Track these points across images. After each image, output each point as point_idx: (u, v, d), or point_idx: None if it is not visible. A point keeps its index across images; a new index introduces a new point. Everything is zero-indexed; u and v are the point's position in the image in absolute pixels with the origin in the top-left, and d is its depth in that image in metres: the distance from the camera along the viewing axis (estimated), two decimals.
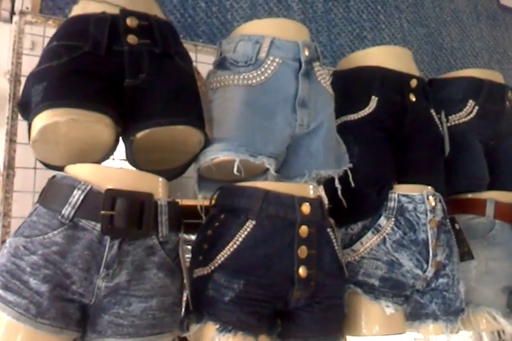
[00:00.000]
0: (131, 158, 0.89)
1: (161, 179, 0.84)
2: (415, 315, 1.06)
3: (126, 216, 0.75)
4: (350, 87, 1.16)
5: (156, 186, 0.82)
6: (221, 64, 1.03)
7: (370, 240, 1.03)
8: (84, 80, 0.82)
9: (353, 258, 1.03)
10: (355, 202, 1.07)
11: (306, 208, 0.90)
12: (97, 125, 0.80)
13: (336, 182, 1.03)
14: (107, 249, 0.74)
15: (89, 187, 0.76)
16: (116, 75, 0.86)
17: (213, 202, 0.96)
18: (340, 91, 1.16)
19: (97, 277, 0.74)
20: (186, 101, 0.88)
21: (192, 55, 1.21)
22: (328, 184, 1.09)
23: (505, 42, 2.12)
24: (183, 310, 0.87)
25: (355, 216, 1.06)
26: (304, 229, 0.89)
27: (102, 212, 0.74)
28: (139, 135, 0.85)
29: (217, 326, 0.83)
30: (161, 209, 0.79)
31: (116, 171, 0.81)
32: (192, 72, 0.92)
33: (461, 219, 1.22)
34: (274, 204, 0.89)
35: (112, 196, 0.75)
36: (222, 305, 0.84)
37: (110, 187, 0.76)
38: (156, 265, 0.78)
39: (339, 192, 1.03)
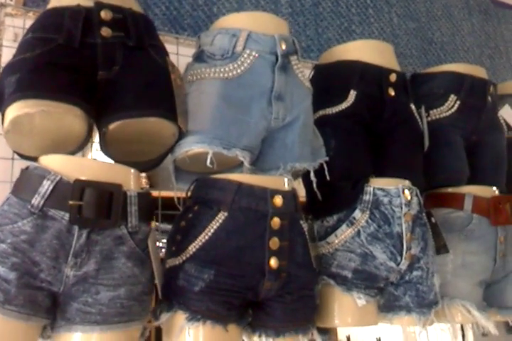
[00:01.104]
0: (105, 149, 0.90)
1: (132, 170, 0.85)
2: (389, 306, 1.07)
3: (95, 206, 0.76)
4: (330, 81, 1.17)
5: (126, 177, 0.83)
6: (199, 57, 1.04)
7: (344, 232, 1.04)
8: (56, 72, 0.83)
9: (328, 250, 1.04)
10: (331, 195, 1.08)
11: (278, 200, 0.91)
12: (67, 116, 0.81)
13: (312, 175, 1.04)
14: (75, 239, 0.76)
15: (58, 178, 0.77)
16: (90, 68, 0.87)
17: (189, 193, 0.98)
18: (319, 85, 1.17)
19: (66, 266, 0.76)
20: (158, 93, 0.89)
21: (173, 47, 1.22)
22: (306, 177, 1.10)
23: (496, 37, 2.12)
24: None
25: (331, 209, 1.07)
26: (276, 221, 0.90)
27: (71, 202, 0.75)
28: (112, 126, 0.86)
29: (187, 315, 0.84)
30: (130, 199, 0.81)
31: (87, 162, 0.82)
32: (166, 64, 0.93)
33: (439, 213, 1.23)
34: (246, 197, 0.91)
35: (81, 186, 0.76)
36: (191, 294, 0.85)
37: (80, 177, 0.77)
38: (124, 254, 0.80)
39: (314, 185, 1.04)
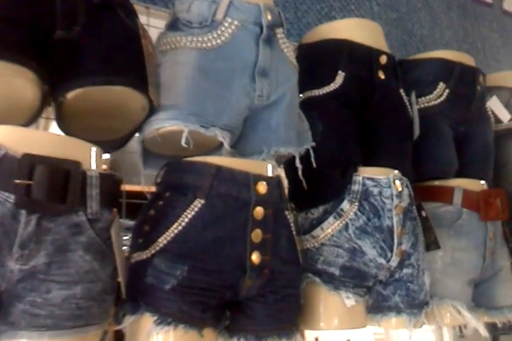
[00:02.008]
0: (62, 123, 0.77)
1: (94, 147, 0.72)
2: (377, 307, 0.98)
3: (47, 187, 0.63)
4: (316, 60, 1.07)
5: (86, 154, 0.70)
6: (173, 25, 0.92)
7: (331, 225, 0.94)
8: (4, 27, 0.69)
9: (313, 244, 0.94)
10: (317, 184, 0.98)
11: (262, 187, 0.81)
12: (17, 79, 0.68)
13: (297, 161, 0.93)
14: (22, 226, 0.62)
15: (2, 152, 0.63)
16: (46, 26, 0.73)
17: (159, 179, 0.86)
18: (305, 65, 1.07)
19: (10, 258, 0.62)
20: (127, 59, 0.77)
21: (144, 18, 1.09)
22: (288, 164, 1.00)
23: (474, 33, 2.09)
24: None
25: (317, 199, 0.97)
26: (259, 211, 0.80)
27: (17, 180, 0.62)
28: (70, 95, 0.73)
29: (155, 318, 0.72)
30: (90, 180, 0.68)
31: (39, 135, 0.69)
32: (136, 27, 0.80)
33: (427, 207, 1.15)
34: (226, 182, 0.79)
35: (30, 162, 0.63)
36: (161, 294, 0.74)
37: (29, 152, 0.64)
38: (82, 246, 0.67)
39: (299, 173, 0.94)
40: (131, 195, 1.06)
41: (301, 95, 1.03)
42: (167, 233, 0.76)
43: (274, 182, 0.84)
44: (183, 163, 0.83)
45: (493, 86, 1.41)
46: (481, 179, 1.20)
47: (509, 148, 1.34)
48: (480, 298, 1.15)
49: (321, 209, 0.96)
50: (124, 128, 0.83)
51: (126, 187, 1.05)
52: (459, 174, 1.19)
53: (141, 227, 0.81)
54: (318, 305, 0.91)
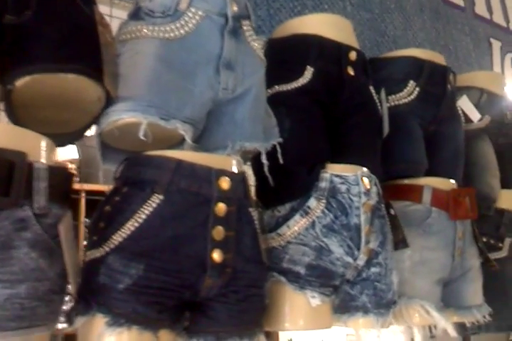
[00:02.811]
0: (11, 114, 0.73)
1: (43, 138, 0.68)
2: (344, 307, 0.95)
3: None
4: (285, 55, 1.05)
5: (34, 145, 0.66)
6: (135, 14, 0.89)
7: (297, 223, 0.91)
8: None
9: (278, 243, 0.91)
10: (283, 181, 0.95)
11: (225, 183, 0.78)
12: None
13: (263, 157, 0.91)
14: None
15: None
16: None
17: (118, 174, 0.82)
18: (274, 60, 1.04)
19: None
20: (81, 46, 0.73)
21: (106, 8, 1.05)
22: (255, 160, 0.97)
23: (446, 36, 2.10)
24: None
25: (283, 196, 0.95)
26: (221, 207, 0.77)
27: None
28: (20, 83, 0.69)
29: (107, 319, 0.68)
30: (38, 173, 0.64)
31: None
32: (92, 14, 0.77)
33: (396, 205, 1.13)
34: (186, 177, 0.76)
35: None
36: (115, 293, 0.70)
37: None
38: (28, 242, 0.62)
39: (265, 169, 0.91)
40: None
41: (269, 90, 1.00)
42: (122, 230, 0.73)
43: (238, 178, 0.81)
44: (142, 157, 0.80)
45: (464, 86, 1.42)
46: (451, 178, 1.19)
47: (479, 148, 1.34)
48: (449, 297, 1.14)
49: (287, 206, 0.94)
50: (80, 120, 0.79)
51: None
52: (429, 173, 1.18)
53: (97, 224, 0.77)
54: (283, 305, 0.88)
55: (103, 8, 0.99)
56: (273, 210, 0.95)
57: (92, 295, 0.70)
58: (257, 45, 0.95)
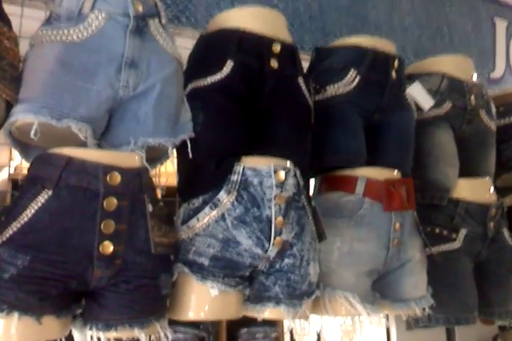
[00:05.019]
0: None
1: None
2: (258, 297, 0.97)
3: None
4: (207, 50, 1.06)
5: None
6: (47, 20, 0.94)
7: (207, 216, 0.94)
8: None
9: (187, 235, 0.94)
10: (195, 175, 0.98)
11: (114, 178, 0.82)
12: None
13: (169, 151, 0.94)
14: None
15: None
16: None
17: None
18: (196, 56, 1.08)
19: None
20: None
21: (17, 8, 1.10)
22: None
23: (439, 18, 2.01)
24: None
25: (195, 190, 0.97)
26: (111, 202, 0.81)
27: None
28: None
29: None
30: None
31: None
32: None
33: (331, 197, 1.13)
34: (76, 173, 0.81)
35: None
36: (0, 282, 0.75)
37: None
38: None
39: (175, 163, 0.94)
40: None
41: (188, 86, 1.03)
42: (14, 223, 0.79)
43: (131, 173, 0.85)
44: (43, 155, 0.85)
45: (425, 72, 1.37)
46: (397, 168, 1.17)
47: (436, 136, 1.30)
48: (386, 289, 1.12)
49: (200, 199, 0.96)
50: None
51: None
52: (373, 164, 1.16)
53: (0, 218, 0.83)
54: (188, 295, 0.91)
55: (14, 8, 1.04)
56: (189, 203, 0.98)
57: None
58: (168, 41, 0.97)
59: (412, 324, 1.28)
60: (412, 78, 1.33)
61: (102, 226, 0.80)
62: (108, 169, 0.82)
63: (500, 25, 2.19)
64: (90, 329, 0.82)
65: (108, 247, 0.80)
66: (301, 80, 1.10)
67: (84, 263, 0.79)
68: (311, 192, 1.15)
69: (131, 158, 0.87)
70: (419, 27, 1.94)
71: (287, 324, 1.00)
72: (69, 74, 0.87)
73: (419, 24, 1.95)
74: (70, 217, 0.79)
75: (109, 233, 0.81)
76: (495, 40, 2.17)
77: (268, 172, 0.96)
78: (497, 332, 1.72)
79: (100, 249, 0.80)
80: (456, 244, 1.23)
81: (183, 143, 0.96)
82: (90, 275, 0.80)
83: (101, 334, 0.82)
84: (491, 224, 1.26)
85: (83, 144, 0.88)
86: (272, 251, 0.94)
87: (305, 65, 1.20)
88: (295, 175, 1.00)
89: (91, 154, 0.83)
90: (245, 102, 1.03)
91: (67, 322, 0.82)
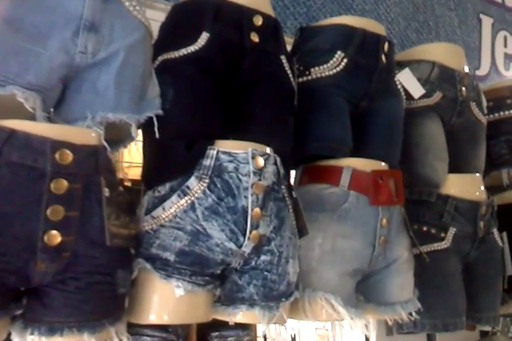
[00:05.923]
0: None
1: None
2: (230, 299, 0.86)
3: None
4: (180, 20, 0.95)
5: None
6: None
7: (174, 205, 0.82)
8: None
9: (151, 226, 0.82)
10: (162, 158, 0.86)
11: (64, 156, 0.70)
12: None
13: (132, 130, 0.82)
14: None
15: None
16: None
17: None
18: (168, 26, 0.96)
19: None
20: None
21: None
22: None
23: (426, 11, 1.94)
24: None
25: (162, 175, 0.86)
26: (61, 184, 0.69)
27: None
28: None
29: None
30: None
31: None
32: None
33: (313, 189, 1.03)
34: (19, 149, 0.69)
35: None
36: None
37: None
38: None
39: (139, 145, 0.83)
40: None
41: (159, 57, 0.91)
42: None
43: (85, 152, 0.73)
44: None
45: (415, 59, 1.28)
46: (384, 160, 1.07)
47: (425, 127, 1.21)
48: (370, 291, 1.03)
49: (167, 186, 0.84)
50: None
51: None
52: (358, 154, 1.06)
53: None
54: (149, 295, 0.79)
55: None
56: (154, 191, 0.86)
57: None
58: (136, 6, 0.85)
59: (396, 329, 1.18)
60: (400, 65, 1.25)
61: (48, 212, 0.68)
62: (57, 145, 0.70)
63: (486, 23, 2.14)
64: (31, 333, 0.69)
65: (55, 237, 0.68)
66: (284, 59, 0.99)
67: (25, 256, 0.67)
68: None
69: (87, 134, 0.75)
70: (405, 19, 1.87)
71: (262, 328, 0.89)
72: (16, 35, 0.74)
73: (405, 16, 1.88)
74: (10, 199, 0.67)
75: (57, 220, 0.69)
76: (481, 38, 2.12)
77: (245, 157, 0.85)
78: (478, 338, 1.65)
79: (45, 238, 0.68)
80: (445, 244, 1.15)
81: (150, 121, 0.84)
82: (32, 270, 0.68)
83: (43, 340, 0.69)
84: (481, 224, 1.18)
85: (32, 118, 0.76)
86: (247, 247, 0.83)
87: (288, 48, 1.10)
88: (275, 163, 0.89)
89: (38, 127, 0.71)
90: (221, 78, 0.92)
91: (5, 325, 0.70)
